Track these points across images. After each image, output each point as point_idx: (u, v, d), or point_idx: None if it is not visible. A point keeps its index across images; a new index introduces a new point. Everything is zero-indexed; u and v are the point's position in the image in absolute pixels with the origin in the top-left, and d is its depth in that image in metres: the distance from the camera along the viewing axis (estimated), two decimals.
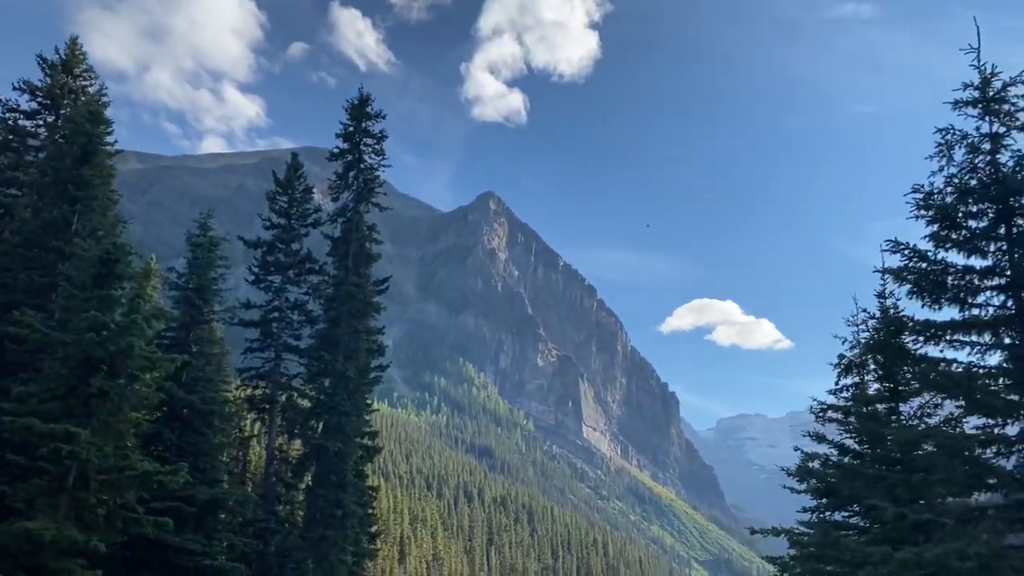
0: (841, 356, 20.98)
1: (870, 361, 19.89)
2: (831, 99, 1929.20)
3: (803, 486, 20.37)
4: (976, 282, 11.79)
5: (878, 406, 18.61)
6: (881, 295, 18.94)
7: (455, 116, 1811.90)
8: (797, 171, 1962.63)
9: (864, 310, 19.38)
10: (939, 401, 16.26)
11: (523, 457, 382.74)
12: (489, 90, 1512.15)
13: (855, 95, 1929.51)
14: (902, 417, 17.88)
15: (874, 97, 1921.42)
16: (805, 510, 20.37)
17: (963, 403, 11.26)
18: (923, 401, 17.30)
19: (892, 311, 18.22)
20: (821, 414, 21.06)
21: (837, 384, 21.08)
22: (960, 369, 11.49)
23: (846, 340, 21.03)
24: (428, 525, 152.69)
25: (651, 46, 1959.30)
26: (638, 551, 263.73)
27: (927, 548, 9.56)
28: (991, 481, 10.57)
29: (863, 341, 20.27)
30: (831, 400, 21.02)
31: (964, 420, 13.08)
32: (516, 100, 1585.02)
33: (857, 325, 20.99)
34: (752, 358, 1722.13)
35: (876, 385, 19.30)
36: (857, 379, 20.64)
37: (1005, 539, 11.39)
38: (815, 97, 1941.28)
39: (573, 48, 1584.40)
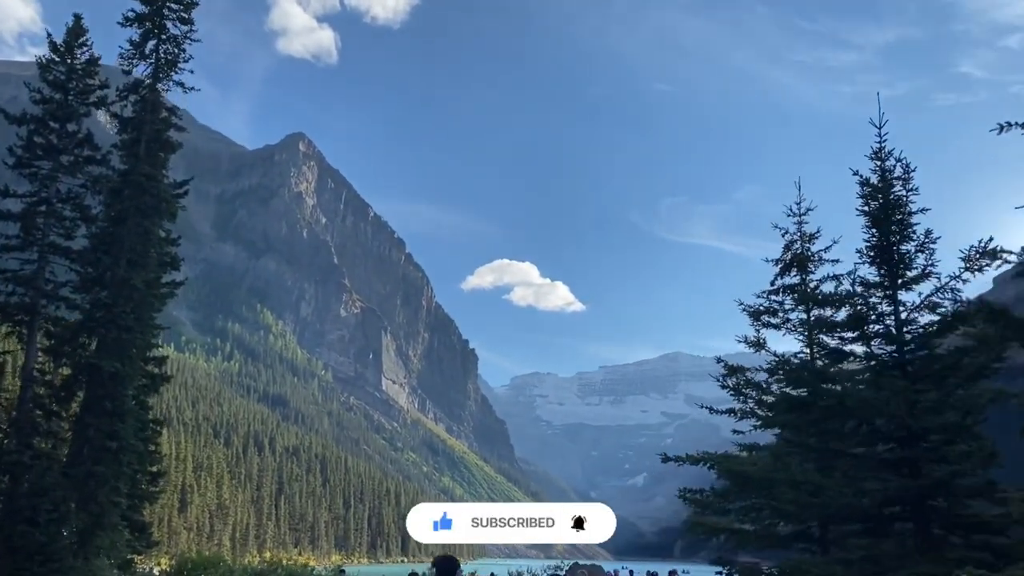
0: (787, 246, 18.18)
1: (807, 255, 17.76)
2: (635, 75, 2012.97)
3: (737, 402, 17.44)
4: None
5: (873, 293, 14.78)
6: (878, 155, 14.92)
7: (259, 47, 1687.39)
8: (599, 141, 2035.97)
9: (858, 173, 14.86)
10: (963, 282, 13.45)
11: (319, 408, 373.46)
12: (297, 23, 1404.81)
13: (656, 74, 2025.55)
14: (903, 307, 14.34)
15: (673, 78, 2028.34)
16: (738, 431, 17.48)
17: None
18: (938, 285, 13.95)
19: (898, 169, 14.52)
20: (756, 319, 18.15)
21: (774, 284, 18.29)
22: None
23: (786, 232, 18.44)
24: (213, 474, 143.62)
25: (470, 1, 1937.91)
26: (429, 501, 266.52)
27: None
28: None
29: (806, 233, 17.99)
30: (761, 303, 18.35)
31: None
32: (326, 37, 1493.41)
33: (799, 215, 18.32)
34: (546, 319, 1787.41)
35: (865, 276, 15.29)
36: (797, 279, 18.09)
37: None
38: (621, 71, 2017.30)
39: None
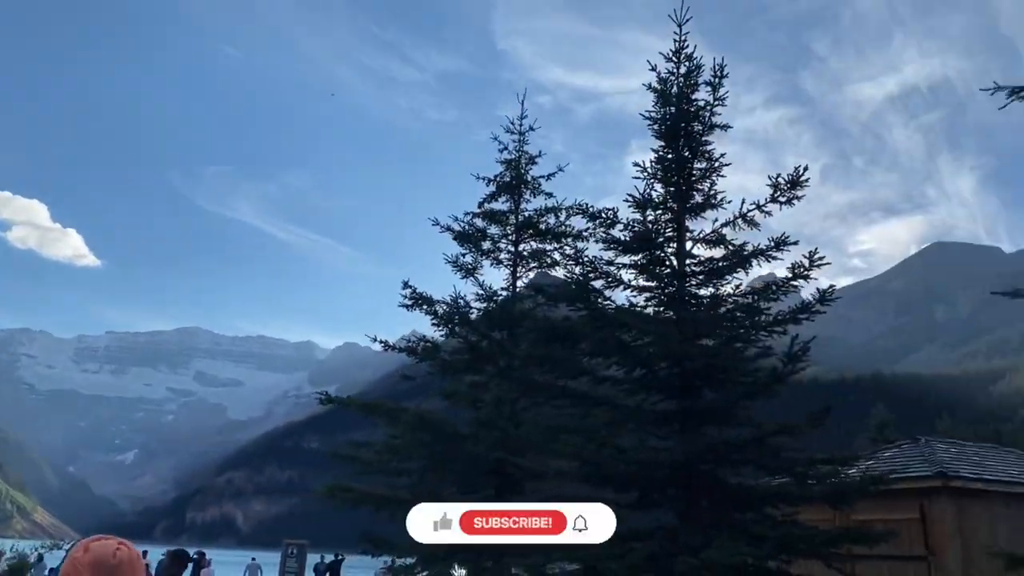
0: (508, 163, 16.01)
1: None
2: (201, 31, 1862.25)
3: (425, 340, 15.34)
4: None
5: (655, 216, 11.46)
6: (676, 55, 11.53)
7: None
8: (149, 91, 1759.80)
9: (655, 69, 11.51)
10: (766, 214, 10.97)
11: None
12: None
13: (225, 35, 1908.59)
14: (689, 233, 11.46)
15: (242, 43, 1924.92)
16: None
17: None
18: (741, 211, 10.99)
19: (705, 74, 11.35)
20: (464, 242, 15.81)
21: (482, 207, 15.96)
22: None
23: (505, 148, 16.18)
24: None
25: None
26: None
27: None
28: None
29: (528, 154, 16.11)
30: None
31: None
32: None
33: (521, 133, 16.19)
34: (51, 269, 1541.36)
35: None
36: (508, 205, 15.94)
37: None
38: (187, 24, 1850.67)
39: None
